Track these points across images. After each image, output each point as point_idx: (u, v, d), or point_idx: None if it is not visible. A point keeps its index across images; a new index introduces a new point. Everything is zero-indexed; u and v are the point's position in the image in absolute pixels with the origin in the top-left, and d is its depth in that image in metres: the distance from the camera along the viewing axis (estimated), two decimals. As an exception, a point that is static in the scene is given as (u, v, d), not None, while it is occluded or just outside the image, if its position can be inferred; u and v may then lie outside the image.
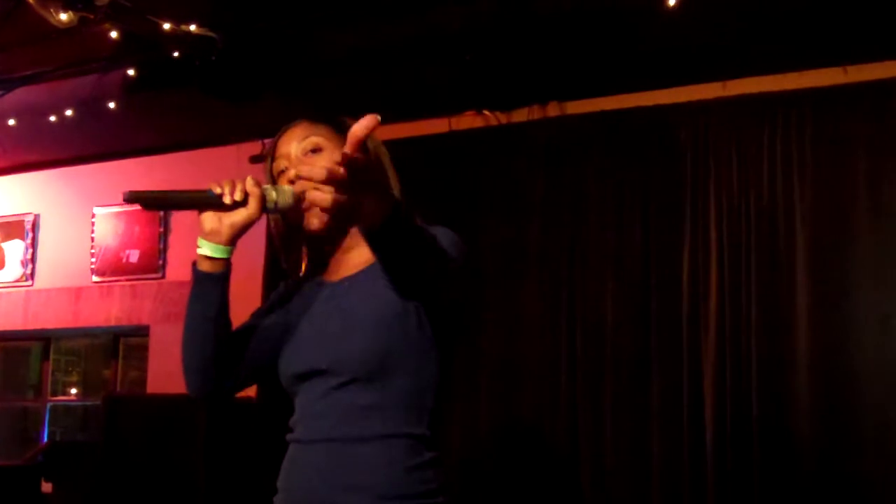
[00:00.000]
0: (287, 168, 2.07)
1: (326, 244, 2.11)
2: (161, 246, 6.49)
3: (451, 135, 5.51)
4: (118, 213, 6.61)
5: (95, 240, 6.69)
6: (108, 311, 6.64)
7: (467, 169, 5.42)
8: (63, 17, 4.65)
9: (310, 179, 1.61)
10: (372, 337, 1.93)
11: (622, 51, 4.83)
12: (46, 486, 5.91)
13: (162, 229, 6.43)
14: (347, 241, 2.10)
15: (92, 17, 4.74)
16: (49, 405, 7.27)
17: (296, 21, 4.89)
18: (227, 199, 1.93)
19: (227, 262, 1.99)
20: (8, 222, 7.10)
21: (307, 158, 2.06)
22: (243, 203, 1.94)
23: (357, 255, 2.08)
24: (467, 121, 5.51)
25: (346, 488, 1.89)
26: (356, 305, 1.99)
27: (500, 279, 5.26)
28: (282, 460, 2.01)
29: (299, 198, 1.98)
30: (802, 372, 4.58)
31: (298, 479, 1.97)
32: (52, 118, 5.91)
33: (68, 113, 5.84)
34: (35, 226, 7.03)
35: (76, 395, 7.61)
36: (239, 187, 1.94)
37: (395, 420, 1.93)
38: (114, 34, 4.89)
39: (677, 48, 4.75)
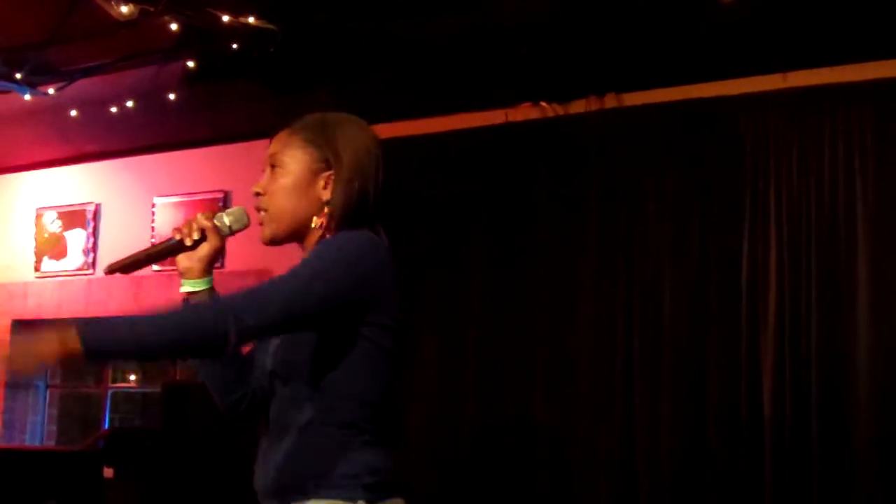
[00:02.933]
0: None
1: (299, 247, 2.22)
2: (220, 236, 6.54)
3: (508, 126, 5.49)
4: (178, 203, 6.68)
5: (156, 229, 6.76)
6: (168, 300, 6.71)
7: (523, 161, 5.40)
8: (124, 9, 4.72)
9: None
10: (291, 339, 2.11)
11: (681, 41, 4.79)
12: (108, 472, 6.00)
13: (221, 219, 6.45)
14: (306, 242, 2.21)
15: (152, 9, 4.80)
16: (110, 392, 7.38)
17: (352, 13, 4.91)
18: (187, 242, 2.17)
19: (210, 291, 2.22)
20: (70, 212, 7.21)
21: (266, 173, 2.22)
22: (203, 238, 2.17)
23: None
24: (524, 112, 5.48)
25: (277, 469, 2.11)
26: None
27: (555, 274, 5.23)
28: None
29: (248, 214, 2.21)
30: (863, 371, 4.50)
31: (255, 465, 2.20)
32: (114, 109, 5.99)
33: (129, 104, 5.92)
34: (96, 215, 7.13)
35: (135, 381, 7.72)
36: (194, 227, 2.16)
37: (324, 411, 2.08)
38: (174, 26, 4.95)
39: (737, 39, 4.70)
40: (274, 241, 2.20)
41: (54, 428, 7.58)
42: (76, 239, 7.16)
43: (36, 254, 7.30)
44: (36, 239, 7.32)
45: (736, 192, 4.86)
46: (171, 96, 5.72)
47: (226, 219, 2.19)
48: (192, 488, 5.30)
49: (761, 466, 4.62)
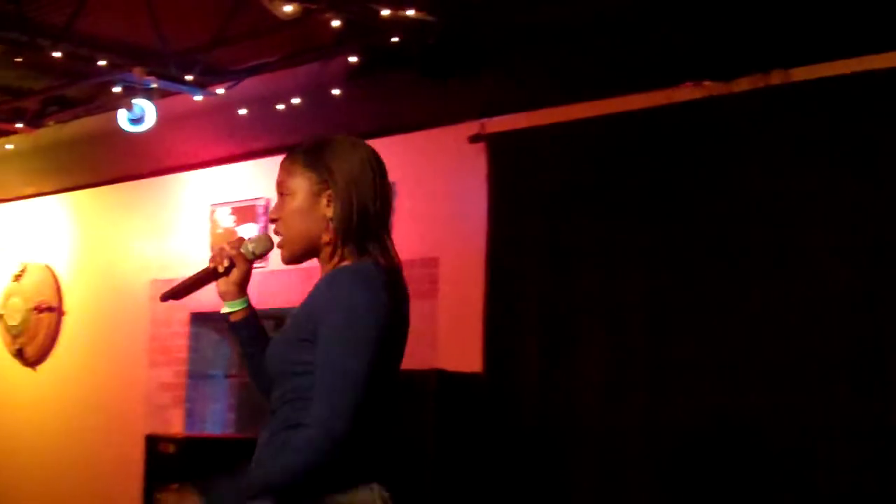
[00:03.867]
0: None
1: (318, 261, 2.46)
2: (385, 226, 6.63)
3: (670, 108, 5.37)
4: (344, 196, 6.80)
5: (324, 222, 6.90)
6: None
7: (686, 143, 5.27)
8: (287, 8, 4.83)
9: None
10: (275, 346, 2.41)
11: (851, 8, 4.59)
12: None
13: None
14: (321, 258, 2.44)
15: (314, 7, 4.91)
16: (283, 381, 7.57)
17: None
18: (220, 269, 2.50)
19: (247, 309, 2.54)
20: (242, 207, 7.43)
21: (277, 201, 2.46)
22: (233, 264, 2.49)
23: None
24: (686, 93, 5.37)
25: (257, 464, 2.37)
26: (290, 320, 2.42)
27: (721, 265, 5.03)
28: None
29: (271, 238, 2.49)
30: None
31: None
32: (280, 106, 6.13)
33: (295, 101, 6.05)
34: (267, 209, 7.31)
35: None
36: (224, 255, 2.49)
37: (288, 413, 2.33)
38: (335, 23, 5.04)
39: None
40: (292, 261, 2.45)
41: (233, 416, 7.84)
42: (248, 233, 7.36)
43: (211, 248, 7.55)
44: (210, 234, 7.57)
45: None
46: (336, 91, 5.83)
47: (249, 246, 2.51)
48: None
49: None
